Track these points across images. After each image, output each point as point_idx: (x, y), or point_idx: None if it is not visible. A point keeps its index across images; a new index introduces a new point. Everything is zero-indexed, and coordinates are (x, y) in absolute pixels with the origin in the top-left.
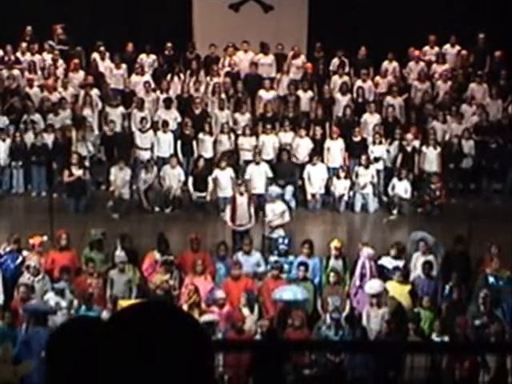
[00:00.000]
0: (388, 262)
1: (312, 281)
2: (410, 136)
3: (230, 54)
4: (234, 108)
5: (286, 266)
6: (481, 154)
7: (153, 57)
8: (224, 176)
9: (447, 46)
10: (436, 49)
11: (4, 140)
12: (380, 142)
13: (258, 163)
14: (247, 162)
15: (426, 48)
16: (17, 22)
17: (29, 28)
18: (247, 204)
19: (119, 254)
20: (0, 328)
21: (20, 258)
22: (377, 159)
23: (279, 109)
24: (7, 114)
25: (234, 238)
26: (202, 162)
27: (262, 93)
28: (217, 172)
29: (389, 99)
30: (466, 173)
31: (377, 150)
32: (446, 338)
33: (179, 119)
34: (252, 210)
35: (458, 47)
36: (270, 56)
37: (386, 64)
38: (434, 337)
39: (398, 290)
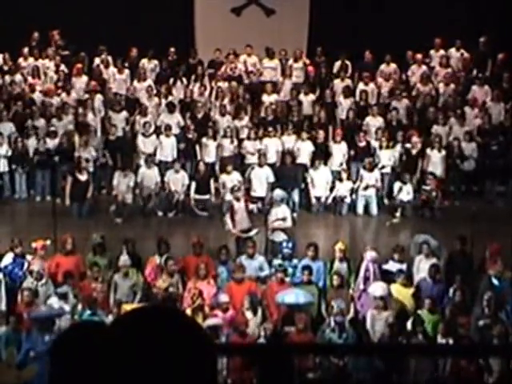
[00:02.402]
0: (391, 265)
1: (316, 284)
2: (414, 139)
3: (231, 61)
4: (236, 112)
5: (290, 270)
6: (483, 156)
7: (155, 62)
8: (232, 180)
9: (452, 50)
10: (441, 52)
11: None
12: (387, 147)
13: (261, 166)
14: (250, 166)
15: (432, 51)
16: (17, 28)
17: (36, 34)
18: (245, 208)
19: (123, 258)
20: (4, 333)
21: (26, 264)
22: (383, 166)
23: (282, 112)
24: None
25: (238, 241)
26: (202, 167)
27: (265, 97)
28: (223, 177)
29: (393, 102)
30: (468, 175)
31: (384, 156)
32: (451, 341)
33: (182, 123)
34: (251, 214)
35: (462, 50)
36: (274, 60)
37: (383, 67)
38: (439, 339)
39: (402, 293)
